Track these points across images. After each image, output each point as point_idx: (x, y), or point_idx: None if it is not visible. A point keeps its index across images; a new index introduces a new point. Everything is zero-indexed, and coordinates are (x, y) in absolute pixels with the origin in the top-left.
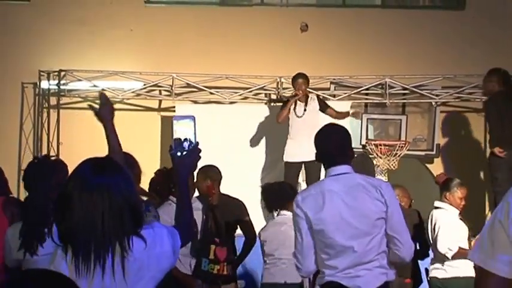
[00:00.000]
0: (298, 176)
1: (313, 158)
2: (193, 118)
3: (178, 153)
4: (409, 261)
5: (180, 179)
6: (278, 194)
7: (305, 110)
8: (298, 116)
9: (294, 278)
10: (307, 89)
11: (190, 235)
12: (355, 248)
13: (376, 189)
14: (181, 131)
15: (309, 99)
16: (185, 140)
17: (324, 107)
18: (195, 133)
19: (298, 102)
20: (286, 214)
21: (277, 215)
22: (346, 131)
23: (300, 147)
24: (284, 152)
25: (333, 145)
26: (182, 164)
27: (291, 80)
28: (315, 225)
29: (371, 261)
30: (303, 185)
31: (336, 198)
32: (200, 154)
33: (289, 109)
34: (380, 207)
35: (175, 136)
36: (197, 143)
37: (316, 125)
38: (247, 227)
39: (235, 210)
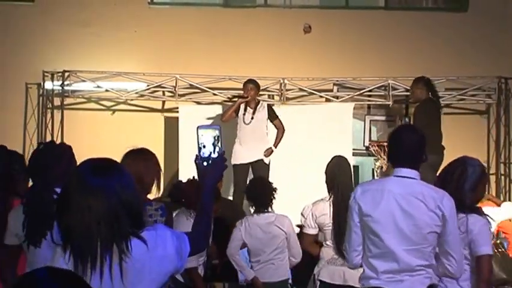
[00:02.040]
0: (247, 177)
1: (258, 158)
2: (219, 128)
3: (204, 163)
4: (457, 277)
5: (205, 188)
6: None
7: (252, 118)
8: (245, 123)
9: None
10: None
11: (203, 245)
12: (399, 255)
13: (435, 202)
14: (206, 140)
15: (259, 106)
16: (203, 153)
17: (272, 117)
18: (221, 142)
19: (248, 108)
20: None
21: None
22: (423, 135)
23: (248, 151)
24: (231, 155)
25: (405, 146)
26: (207, 173)
27: (242, 84)
28: (366, 220)
29: (414, 271)
30: None
31: (392, 200)
32: (226, 163)
33: (235, 110)
34: (435, 221)
35: (200, 145)
36: (223, 152)
37: (263, 133)
38: None
39: (230, 212)
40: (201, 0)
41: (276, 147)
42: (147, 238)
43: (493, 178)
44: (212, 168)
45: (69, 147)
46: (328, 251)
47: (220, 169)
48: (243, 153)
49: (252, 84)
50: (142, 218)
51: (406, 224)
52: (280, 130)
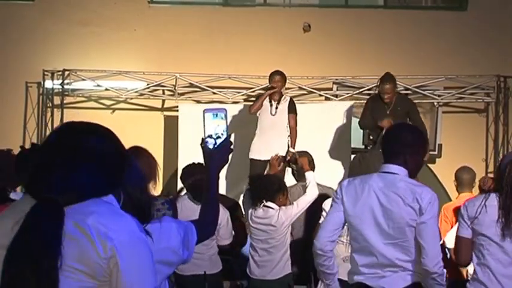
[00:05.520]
0: (263, 173)
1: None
2: (225, 111)
3: (210, 147)
4: (433, 271)
5: (210, 173)
6: (265, 186)
7: (277, 108)
8: (272, 114)
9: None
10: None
11: (210, 232)
12: (378, 249)
13: (413, 195)
14: (213, 124)
15: (282, 99)
16: (209, 136)
17: (290, 111)
18: (227, 126)
19: (272, 101)
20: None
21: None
22: (419, 134)
23: (267, 145)
24: (250, 147)
25: (393, 143)
26: (213, 157)
27: (268, 76)
28: (347, 214)
29: (395, 266)
30: None
31: (372, 194)
32: (232, 147)
33: (263, 102)
34: (411, 215)
35: (206, 129)
36: (229, 136)
37: (283, 126)
38: (239, 227)
39: (229, 209)
40: None
41: (294, 149)
42: (151, 231)
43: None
44: (218, 151)
45: None
46: (342, 248)
47: (227, 152)
48: (261, 147)
49: (279, 76)
50: (148, 212)
51: (384, 219)
52: (293, 130)
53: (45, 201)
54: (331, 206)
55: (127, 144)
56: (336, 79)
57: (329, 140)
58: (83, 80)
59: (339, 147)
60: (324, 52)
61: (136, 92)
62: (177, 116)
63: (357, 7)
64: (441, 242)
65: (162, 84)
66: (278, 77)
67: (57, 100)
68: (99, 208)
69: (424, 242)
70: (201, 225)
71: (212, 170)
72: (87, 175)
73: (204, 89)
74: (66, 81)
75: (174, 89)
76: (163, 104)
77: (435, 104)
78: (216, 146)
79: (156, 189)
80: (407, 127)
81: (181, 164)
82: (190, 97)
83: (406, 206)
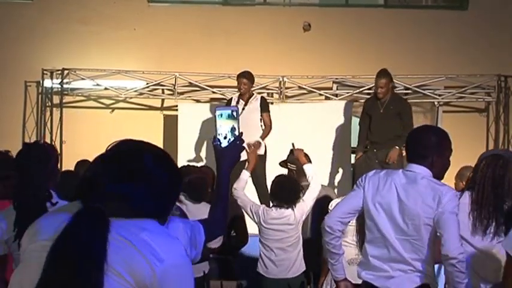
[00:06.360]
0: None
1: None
2: (236, 109)
3: (222, 145)
4: (452, 255)
5: (221, 170)
6: (294, 188)
7: (244, 109)
8: None
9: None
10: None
11: (219, 231)
12: (391, 242)
13: (434, 193)
14: (217, 122)
15: (252, 98)
16: (218, 136)
17: (262, 109)
18: (238, 124)
19: (240, 101)
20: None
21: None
22: (442, 137)
23: None
24: None
25: (416, 144)
26: (224, 156)
27: (236, 77)
28: (366, 202)
29: (405, 262)
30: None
31: (393, 189)
32: (244, 145)
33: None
34: (428, 213)
35: (217, 127)
36: (241, 134)
37: (256, 124)
38: (239, 225)
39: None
40: None
41: (263, 140)
42: None
43: None
44: (230, 150)
45: (55, 147)
46: (349, 251)
47: (238, 151)
48: None
49: (245, 79)
50: None
51: (400, 214)
52: (268, 127)
53: (89, 208)
54: (352, 190)
55: None
56: (336, 78)
57: (329, 139)
58: (82, 79)
59: (339, 146)
60: (324, 51)
61: (135, 91)
62: (176, 115)
63: (357, 6)
64: None
65: (162, 83)
66: (244, 80)
67: (56, 99)
68: (151, 226)
69: (443, 230)
70: (210, 224)
71: (224, 168)
72: (136, 191)
73: (203, 88)
74: (65, 81)
75: (174, 88)
76: (162, 103)
77: (435, 103)
78: (219, 143)
79: None
80: (431, 129)
81: (181, 164)
82: (189, 96)
83: (424, 204)
